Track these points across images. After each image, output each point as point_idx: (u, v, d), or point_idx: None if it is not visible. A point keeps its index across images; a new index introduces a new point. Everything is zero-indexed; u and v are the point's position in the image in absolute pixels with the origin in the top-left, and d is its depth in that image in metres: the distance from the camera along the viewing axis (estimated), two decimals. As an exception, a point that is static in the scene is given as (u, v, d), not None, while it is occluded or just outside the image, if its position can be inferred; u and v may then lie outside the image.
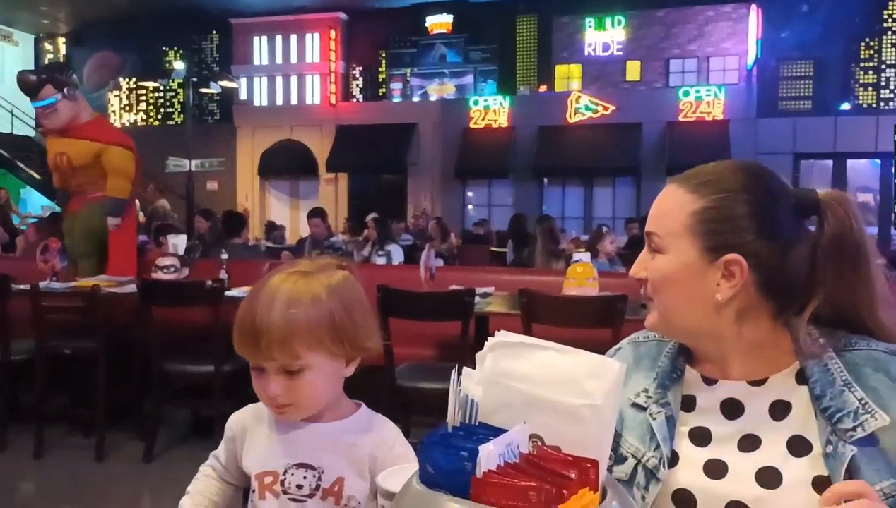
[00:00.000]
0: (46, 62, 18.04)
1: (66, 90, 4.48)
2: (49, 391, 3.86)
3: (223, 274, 4.15)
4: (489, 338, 0.71)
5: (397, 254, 6.28)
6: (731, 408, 0.92)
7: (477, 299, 3.23)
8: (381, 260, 6.10)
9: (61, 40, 17.95)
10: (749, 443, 0.90)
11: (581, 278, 3.18)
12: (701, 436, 0.93)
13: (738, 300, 0.90)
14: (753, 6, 13.71)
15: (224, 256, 4.38)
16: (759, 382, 0.91)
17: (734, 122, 13.27)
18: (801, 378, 0.89)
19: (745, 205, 0.89)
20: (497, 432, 0.61)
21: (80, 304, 3.85)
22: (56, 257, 4.33)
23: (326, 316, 0.99)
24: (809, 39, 13.24)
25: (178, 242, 4.55)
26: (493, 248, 8.80)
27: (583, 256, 3.40)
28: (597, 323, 2.82)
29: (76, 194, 4.66)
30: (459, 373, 0.66)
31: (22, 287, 3.82)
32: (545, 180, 14.65)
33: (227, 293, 3.70)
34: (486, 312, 3.29)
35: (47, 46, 18.12)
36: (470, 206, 15.24)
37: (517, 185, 14.58)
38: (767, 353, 0.92)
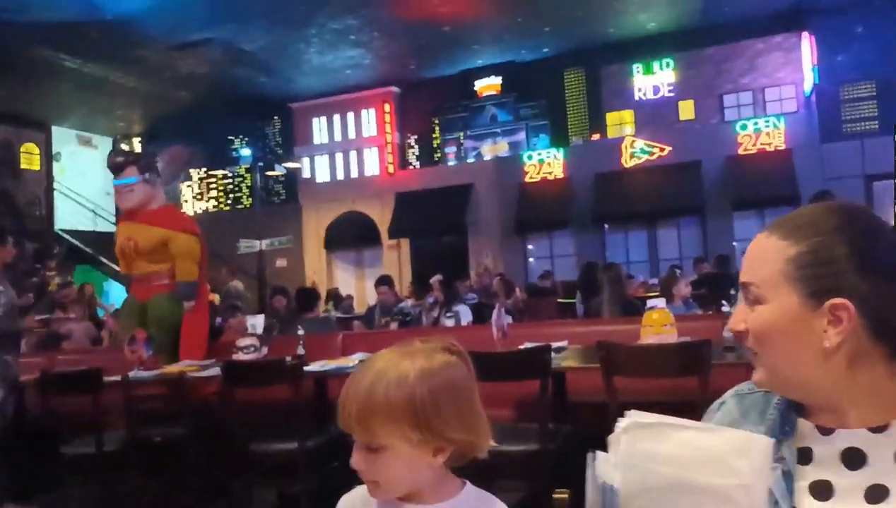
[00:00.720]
0: (124, 162, 19.27)
1: (146, 175, 4.72)
2: (142, 479, 3.97)
3: (301, 350, 4.24)
4: (620, 419, 0.69)
5: (465, 315, 6.28)
6: (853, 458, 0.87)
7: (552, 354, 3.19)
8: (449, 322, 6.10)
9: (136, 139, 19.16)
10: (877, 494, 0.84)
11: (658, 325, 3.10)
12: (822, 490, 0.87)
13: (848, 345, 0.85)
14: (805, 34, 13.50)
15: (300, 331, 4.48)
16: (880, 428, 0.86)
17: (797, 150, 12.91)
18: None
19: (844, 247, 0.86)
20: None
21: (167, 391, 3.98)
22: (143, 347, 4.52)
23: (406, 399, 0.97)
24: (867, 60, 12.88)
25: (257, 322, 4.66)
26: (560, 300, 8.70)
27: (658, 302, 3.32)
28: (682, 372, 2.71)
29: (140, 282, 4.77)
30: (594, 458, 0.64)
31: (113, 378, 3.98)
32: (606, 226, 14.50)
33: (307, 368, 3.77)
34: (564, 367, 3.23)
35: (124, 147, 19.36)
36: (532, 259, 15.18)
37: (578, 235, 14.48)
38: (886, 398, 0.87)
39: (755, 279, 0.91)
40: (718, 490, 0.62)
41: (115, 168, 4.74)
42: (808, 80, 13.53)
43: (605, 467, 0.66)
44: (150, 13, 11.56)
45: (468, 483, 1.07)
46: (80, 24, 11.63)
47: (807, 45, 13.51)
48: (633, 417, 0.69)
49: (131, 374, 4.09)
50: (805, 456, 0.90)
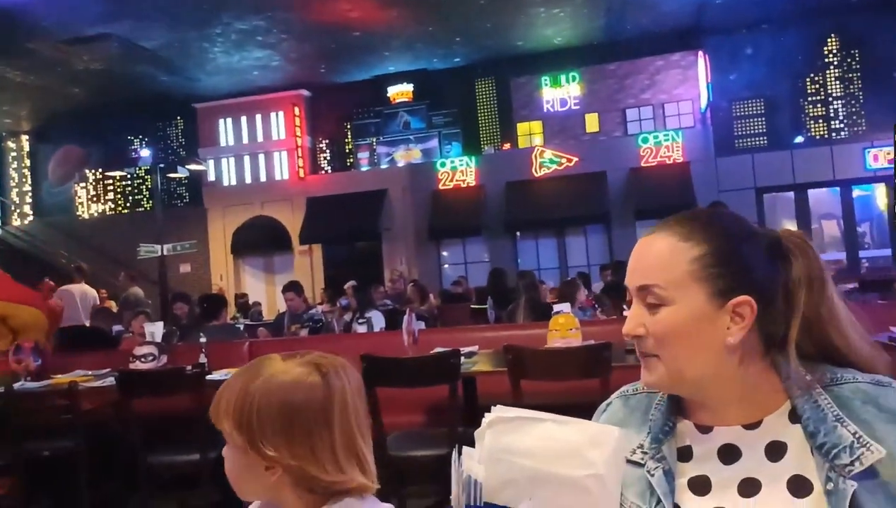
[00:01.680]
0: (11, 160, 18.03)
1: None
2: (31, 496, 3.72)
3: (203, 358, 4.09)
4: (486, 414, 0.69)
5: (378, 321, 6.24)
6: (728, 453, 0.91)
7: (462, 359, 3.22)
8: (362, 328, 6.05)
9: (24, 137, 17.97)
10: (749, 487, 0.89)
11: (564, 329, 3.19)
12: (701, 485, 0.91)
13: (743, 342, 0.90)
14: (700, 52, 14.29)
15: (202, 339, 4.32)
16: (753, 425, 0.91)
17: (694, 163, 13.64)
18: (794, 416, 0.90)
19: (738, 248, 0.91)
20: None
21: (58, 403, 3.75)
22: (29, 356, 4.23)
23: (237, 399, 0.96)
24: (757, 79, 13.78)
25: (155, 329, 4.46)
26: (473, 306, 8.79)
27: (563, 307, 3.42)
28: (585, 374, 2.80)
29: None
30: (459, 453, 0.65)
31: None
32: (518, 234, 14.81)
33: (209, 377, 3.64)
34: (473, 372, 3.26)
35: (10, 144, 18.12)
36: (446, 265, 15.29)
37: (491, 241, 14.71)
38: (761, 394, 0.92)
39: (659, 281, 0.91)
40: (574, 480, 0.64)
41: None
42: (704, 97, 14.33)
43: (469, 462, 0.67)
44: (41, 4, 10.87)
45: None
46: (-38, 12, 10.81)
47: (702, 64, 14.30)
48: (497, 412, 0.70)
49: (16, 386, 3.83)
50: (685, 454, 0.94)
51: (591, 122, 15.21)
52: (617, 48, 14.44)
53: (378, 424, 2.96)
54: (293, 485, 0.96)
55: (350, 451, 0.98)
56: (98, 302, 9.35)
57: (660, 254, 0.93)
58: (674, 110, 14.88)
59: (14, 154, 18.06)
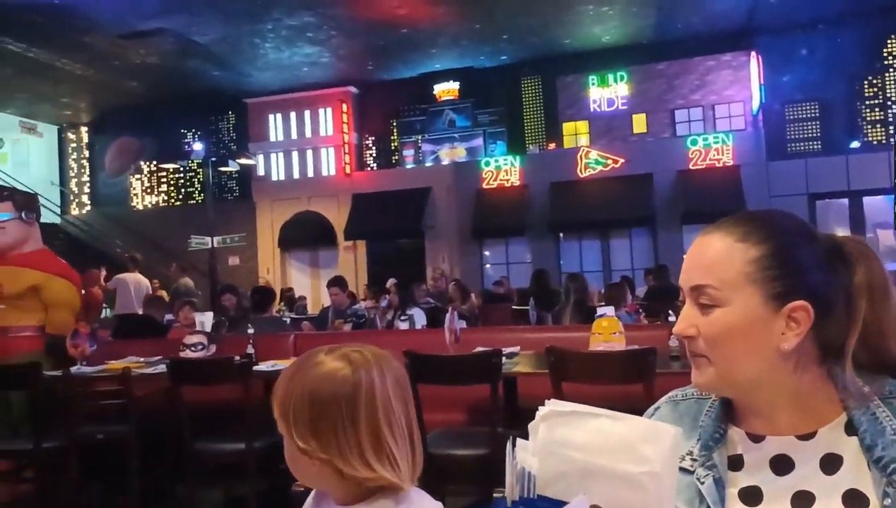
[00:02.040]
0: (71, 151, 18.69)
1: (23, 213, 4.31)
2: (83, 478, 3.86)
3: (250, 349, 4.19)
4: (539, 407, 0.71)
5: (420, 318, 6.29)
6: (781, 464, 0.90)
7: (504, 360, 3.23)
8: (404, 325, 6.10)
9: (84, 129, 18.59)
10: (803, 500, 0.87)
11: (607, 332, 3.16)
12: (752, 496, 0.90)
13: (798, 348, 0.88)
14: (753, 53, 13.97)
15: (250, 331, 4.42)
16: (808, 436, 0.89)
17: (745, 167, 13.33)
18: (850, 429, 0.88)
19: (800, 250, 0.89)
20: (556, 504, 0.61)
21: (112, 388, 3.88)
22: (86, 341, 4.40)
23: (280, 388, 1.00)
24: (812, 81, 13.40)
25: (205, 319, 4.58)
26: (515, 306, 8.78)
27: (607, 310, 3.39)
28: (628, 379, 2.79)
29: None
30: (514, 445, 0.66)
31: (53, 373, 3.87)
32: (561, 235, 14.71)
33: (256, 368, 3.73)
34: (514, 372, 3.27)
35: (70, 136, 18.76)
36: (488, 265, 15.28)
37: (534, 242, 14.64)
38: (815, 404, 0.90)
39: (713, 281, 0.90)
40: (629, 476, 0.65)
41: None
42: (756, 99, 13.99)
43: (524, 453, 0.68)
44: (100, -1, 11.25)
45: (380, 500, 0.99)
46: (25, 7, 11.22)
47: (754, 64, 13.97)
48: (551, 405, 0.71)
49: (73, 370, 3.98)
50: (736, 463, 0.92)
51: (639, 123, 15.01)
52: (666, 47, 14.21)
53: (419, 421, 2.98)
54: (334, 477, 0.97)
55: (378, 448, 0.96)
56: (151, 292, 9.64)
57: (715, 254, 0.91)
58: (724, 112, 14.57)
59: (73, 145, 18.71)
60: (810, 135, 13.75)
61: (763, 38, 13.70)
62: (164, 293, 10.70)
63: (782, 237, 0.90)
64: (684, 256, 0.98)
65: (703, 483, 0.90)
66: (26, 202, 4.38)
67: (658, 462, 0.65)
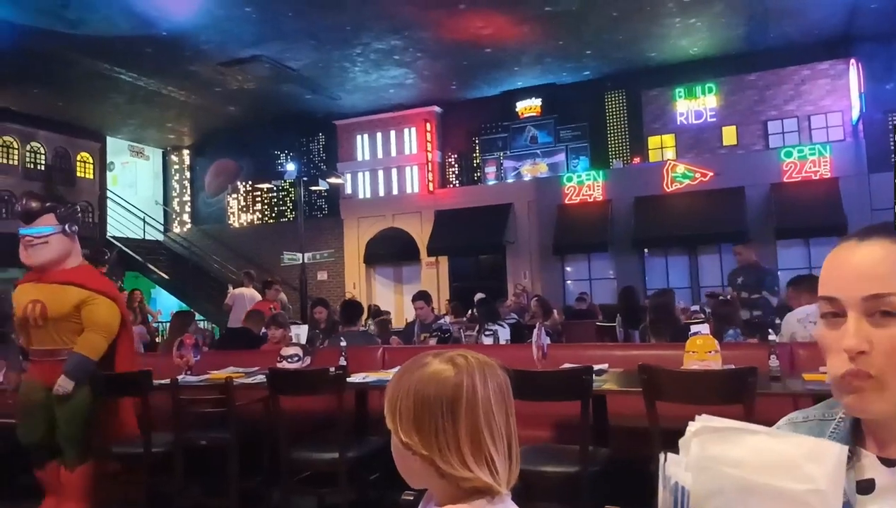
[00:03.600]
0: (174, 172, 19.86)
1: (66, 226, 3.96)
2: (186, 481, 4.08)
3: (343, 361, 4.33)
4: (690, 423, 0.70)
5: (503, 334, 6.30)
6: None
7: (593, 377, 3.21)
8: (488, 340, 6.13)
9: (186, 152, 19.71)
10: None
11: (702, 351, 3.09)
12: None
13: None
14: (852, 61, 13.30)
15: (343, 343, 4.57)
16: None
17: (844, 179, 12.67)
18: None
19: None
20: None
21: (215, 396, 4.09)
22: (190, 352, 4.67)
23: (391, 389, 1.05)
24: (918, 89, 12.64)
25: (301, 332, 4.76)
26: (600, 323, 8.66)
27: (701, 328, 3.32)
28: (726, 399, 2.70)
29: (43, 359, 3.91)
30: (665, 460, 0.66)
31: (162, 381, 4.12)
32: (646, 251, 14.39)
33: (349, 380, 3.85)
34: (605, 390, 3.25)
35: (174, 158, 19.93)
36: (569, 281, 15.12)
37: (617, 258, 14.38)
38: None
39: (894, 288, 0.80)
40: (792, 494, 0.62)
41: (30, 213, 3.88)
42: (856, 108, 13.30)
43: (676, 468, 0.68)
44: (202, 29, 11.94)
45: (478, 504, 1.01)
46: (136, 39, 12.07)
47: (854, 73, 13.29)
48: (703, 421, 0.70)
49: (180, 378, 4.23)
50: (866, 488, 0.86)
51: (729, 135, 14.54)
52: (758, 58, 13.75)
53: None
54: (434, 474, 1.00)
55: (477, 449, 0.99)
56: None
57: (887, 261, 0.82)
58: (821, 122, 13.92)
59: (176, 166, 19.87)
60: (917, 146, 12.94)
61: (863, 46, 13.03)
62: (284, 297, 11.21)
63: None
64: (826, 266, 0.89)
65: None
66: (69, 214, 4.04)
67: (823, 480, 0.62)
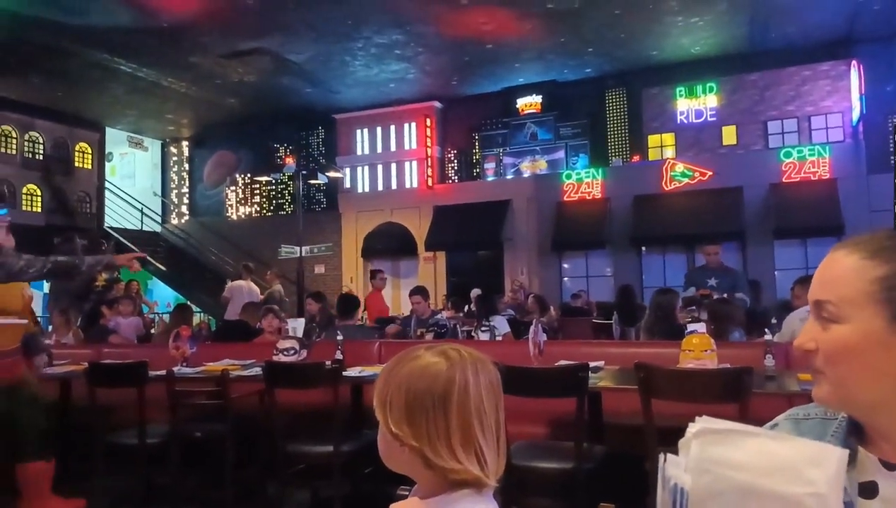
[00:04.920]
0: (172, 164, 19.83)
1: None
2: (182, 473, 4.08)
3: (338, 355, 4.33)
4: (690, 424, 0.70)
5: (502, 326, 6.30)
6: None
7: (589, 374, 3.22)
8: (484, 336, 6.13)
9: (185, 143, 19.67)
10: None
11: (698, 350, 3.10)
12: None
13: None
14: (853, 62, 13.30)
15: (339, 337, 4.57)
16: None
17: (843, 180, 12.68)
18: None
19: None
20: None
21: (211, 388, 4.09)
22: (186, 343, 4.66)
23: (382, 380, 1.06)
24: (918, 91, 12.64)
25: (297, 325, 4.77)
26: (596, 320, 8.67)
27: (698, 326, 3.32)
28: (722, 398, 2.71)
29: None
30: (665, 461, 0.66)
31: (158, 373, 4.11)
32: (643, 249, 14.40)
33: (345, 373, 3.85)
34: (600, 387, 3.25)
35: (172, 150, 19.89)
36: (566, 278, 15.13)
37: (615, 255, 14.40)
38: None
39: (832, 297, 0.87)
40: (791, 497, 0.62)
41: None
42: (856, 110, 13.30)
43: (675, 469, 0.67)
44: (204, 21, 11.90)
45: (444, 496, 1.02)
46: (137, 30, 12.03)
47: (855, 74, 13.29)
48: (703, 422, 0.70)
49: (175, 370, 4.22)
50: (869, 491, 0.86)
51: (729, 135, 14.54)
52: (759, 58, 13.74)
53: (503, 431, 3.01)
54: (421, 465, 1.01)
55: (467, 442, 1.00)
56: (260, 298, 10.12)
57: (840, 270, 0.87)
58: (821, 123, 13.92)
59: (175, 158, 19.84)
60: (917, 148, 12.94)
61: (864, 47, 13.03)
62: (280, 289, 11.23)
63: None
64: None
65: None
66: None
67: (824, 484, 0.63)
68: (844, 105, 13.65)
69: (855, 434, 0.90)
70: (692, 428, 0.69)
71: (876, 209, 12.09)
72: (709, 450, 0.67)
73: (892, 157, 12.94)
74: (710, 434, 0.67)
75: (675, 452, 0.71)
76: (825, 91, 13.85)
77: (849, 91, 13.56)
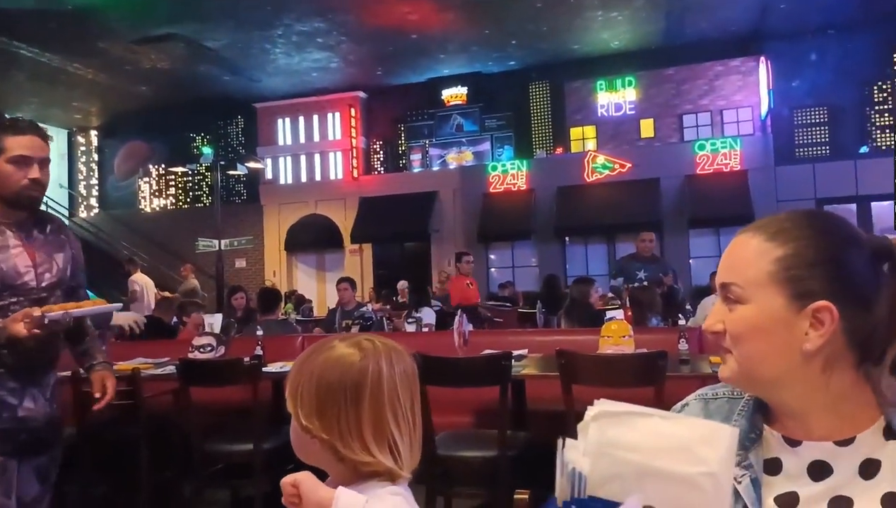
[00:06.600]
0: (80, 154, 18.83)
1: None
2: (95, 476, 3.88)
3: (259, 351, 4.21)
4: (588, 407, 0.69)
5: (429, 318, 6.28)
6: (819, 470, 0.88)
7: (512, 362, 3.23)
8: (410, 328, 6.10)
9: (93, 133, 18.74)
10: (841, 505, 0.86)
11: (616, 336, 3.17)
12: (789, 503, 0.88)
13: (826, 349, 0.86)
14: (762, 58, 13.95)
15: (259, 332, 4.44)
16: (846, 441, 0.87)
17: (753, 172, 13.31)
18: (889, 433, 0.86)
19: (829, 251, 0.87)
20: (609, 505, 0.61)
21: (121, 388, 3.89)
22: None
23: (294, 372, 1.03)
24: (821, 86, 13.38)
25: (215, 321, 4.61)
26: (521, 309, 8.78)
27: (616, 313, 3.40)
28: (638, 382, 2.78)
29: None
30: (563, 445, 0.65)
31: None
32: (567, 239, 14.70)
33: (265, 369, 3.74)
34: (523, 375, 3.28)
35: (80, 140, 18.91)
36: (493, 269, 15.29)
37: (540, 246, 14.65)
38: (851, 407, 0.88)
39: (738, 279, 0.90)
40: (685, 477, 0.63)
41: None
42: (764, 104, 13.97)
43: (573, 453, 0.67)
44: (112, 5, 11.33)
45: (347, 488, 0.99)
46: (39, 13, 11.33)
47: (763, 70, 13.94)
48: (601, 406, 0.70)
49: (81, 371, 4.00)
50: (773, 467, 0.90)
51: (647, 128, 15.01)
52: (675, 53, 14.22)
53: (427, 422, 3.00)
54: (332, 457, 1.00)
55: (380, 434, 0.99)
56: (158, 294, 9.73)
57: (743, 252, 0.91)
58: (733, 117, 14.55)
59: (83, 148, 18.86)
60: (819, 140, 13.72)
61: (772, 44, 13.68)
62: (167, 294, 10.80)
63: (814, 237, 0.88)
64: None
65: (740, 483, 0.88)
66: None
67: (715, 462, 0.64)
68: (754, 99, 14.31)
69: (761, 412, 0.93)
70: (590, 412, 0.70)
71: (782, 199, 12.77)
72: (605, 433, 0.68)
73: (797, 150, 13.69)
74: (607, 416, 0.68)
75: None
76: (736, 86, 14.47)
77: (758, 86, 14.22)
